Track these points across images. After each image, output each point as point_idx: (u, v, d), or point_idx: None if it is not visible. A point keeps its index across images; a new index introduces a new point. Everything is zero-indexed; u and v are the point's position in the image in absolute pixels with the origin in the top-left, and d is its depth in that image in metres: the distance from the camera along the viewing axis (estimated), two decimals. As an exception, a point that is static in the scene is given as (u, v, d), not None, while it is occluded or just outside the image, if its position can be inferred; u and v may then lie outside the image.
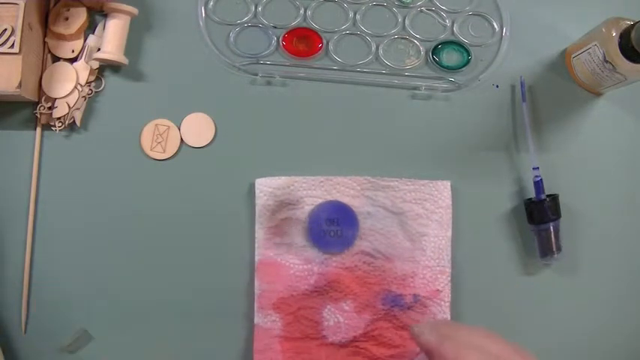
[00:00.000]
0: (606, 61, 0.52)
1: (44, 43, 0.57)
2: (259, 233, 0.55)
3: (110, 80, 0.58)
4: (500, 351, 0.41)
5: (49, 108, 0.56)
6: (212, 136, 0.57)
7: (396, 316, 0.54)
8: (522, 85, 0.57)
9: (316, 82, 0.58)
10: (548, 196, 0.54)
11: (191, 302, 0.55)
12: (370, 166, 0.56)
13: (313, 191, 0.55)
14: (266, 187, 0.55)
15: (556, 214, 0.54)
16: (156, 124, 0.57)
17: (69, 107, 0.56)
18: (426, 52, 0.59)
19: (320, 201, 0.55)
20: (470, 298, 0.56)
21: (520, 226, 0.57)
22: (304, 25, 0.59)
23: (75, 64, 0.57)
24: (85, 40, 0.57)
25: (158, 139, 0.57)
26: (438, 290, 0.54)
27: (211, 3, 0.59)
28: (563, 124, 0.58)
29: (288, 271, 0.54)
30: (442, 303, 0.54)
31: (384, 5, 0.59)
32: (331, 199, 0.55)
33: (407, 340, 0.54)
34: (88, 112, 0.57)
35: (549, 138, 0.58)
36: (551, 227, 0.54)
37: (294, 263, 0.55)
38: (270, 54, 0.59)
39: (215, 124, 0.57)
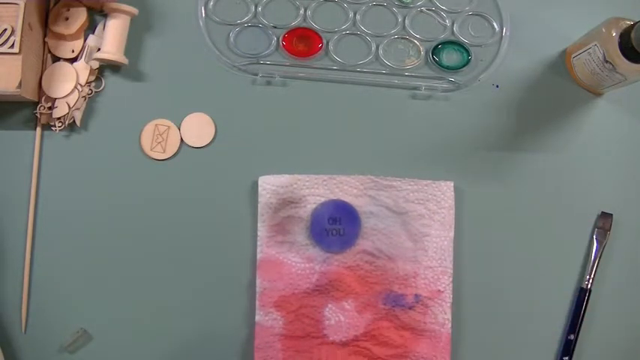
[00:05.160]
0: (606, 61, 0.52)
1: (44, 43, 0.57)
2: (262, 231, 0.55)
3: (110, 80, 0.58)
4: None
5: (49, 108, 0.56)
6: (212, 136, 0.57)
7: (398, 316, 0.54)
8: None
9: (316, 82, 0.58)
10: None
11: (192, 300, 0.55)
12: (370, 165, 0.56)
13: (316, 190, 0.55)
14: (269, 185, 0.55)
15: None
16: (156, 124, 0.57)
17: (69, 107, 0.56)
18: (426, 52, 0.59)
19: (323, 200, 0.55)
20: (471, 299, 0.56)
21: (521, 225, 0.57)
22: (304, 25, 0.59)
23: (75, 64, 0.57)
24: (85, 40, 0.57)
25: (158, 139, 0.57)
26: (439, 290, 0.54)
27: (211, 3, 0.59)
28: (563, 124, 0.58)
29: (289, 270, 0.54)
30: (443, 303, 0.54)
31: (384, 5, 0.60)
32: (334, 197, 0.55)
33: (408, 340, 0.54)
34: (88, 112, 0.57)
35: (549, 138, 0.58)
36: None
37: (296, 261, 0.55)
38: (270, 54, 0.59)
39: (215, 124, 0.57)
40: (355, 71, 0.58)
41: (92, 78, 0.57)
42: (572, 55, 0.57)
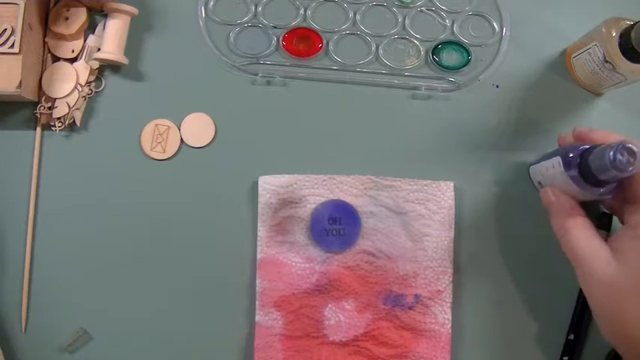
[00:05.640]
0: (606, 61, 0.52)
1: (44, 43, 0.57)
2: (261, 231, 0.55)
3: (110, 80, 0.58)
4: None
5: (49, 108, 0.56)
6: (212, 136, 0.57)
7: (397, 316, 0.54)
8: None
9: (316, 82, 0.58)
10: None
11: (192, 300, 0.55)
12: (370, 165, 0.56)
13: (316, 190, 0.55)
14: (269, 185, 0.55)
15: None
16: (156, 124, 0.57)
17: (69, 107, 0.56)
18: (426, 52, 0.59)
19: (323, 200, 0.55)
20: (471, 299, 0.56)
21: (522, 226, 0.57)
22: (304, 25, 0.59)
23: (75, 64, 0.57)
24: (85, 40, 0.57)
25: (158, 139, 0.57)
26: (439, 291, 0.54)
27: (211, 3, 0.59)
28: (563, 124, 0.58)
29: (289, 270, 0.54)
30: (443, 303, 0.54)
31: (384, 5, 0.60)
32: (334, 197, 0.55)
33: (408, 340, 0.54)
34: (88, 112, 0.57)
35: (550, 138, 0.58)
36: None
37: (295, 262, 0.55)
38: (270, 54, 0.59)
39: (215, 124, 0.57)
40: (355, 71, 0.58)
41: (92, 78, 0.57)
42: (572, 55, 0.57)
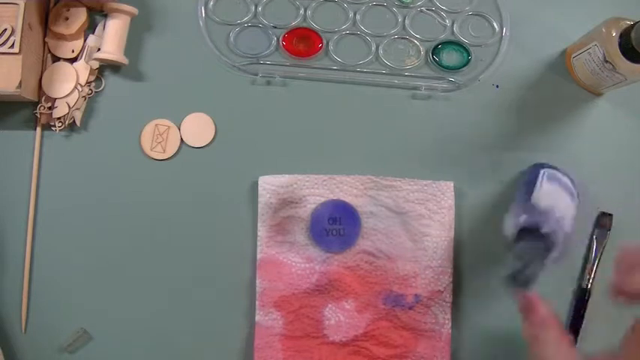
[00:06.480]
0: (606, 61, 0.52)
1: (44, 43, 0.57)
2: (262, 231, 0.55)
3: (110, 80, 0.58)
4: None
5: (49, 108, 0.56)
6: (212, 136, 0.57)
7: (397, 316, 0.54)
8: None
9: (316, 82, 0.58)
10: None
11: (192, 300, 0.55)
12: (370, 165, 0.56)
13: (316, 190, 0.55)
14: (269, 185, 0.55)
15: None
16: (156, 124, 0.57)
17: (69, 107, 0.56)
18: (426, 52, 0.59)
19: (323, 200, 0.55)
20: (471, 299, 0.56)
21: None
22: (304, 25, 0.59)
23: (75, 64, 0.57)
24: (85, 40, 0.57)
25: (158, 139, 0.57)
26: (439, 291, 0.54)
27: (211, 3, 0.59)
28: (563, 124, 0.58)
29: (289, 270, 0.55)
30: (443, 303, 0.54)
31: (384, 5, 0.60)
32: (334, 197, 0.55)
33: (407, 340, 0.54)
34: (88, 112, 0.57)
35: (549, 138, 0.58)
36: None
37: (296, 261, 0.55)
38: (270, 54, 0.59)
39: (215, 124, 0.57)
40: (355, 71, 0.58)
41: (92, 78, 0.57)
42: (572, 55, 0.57)
